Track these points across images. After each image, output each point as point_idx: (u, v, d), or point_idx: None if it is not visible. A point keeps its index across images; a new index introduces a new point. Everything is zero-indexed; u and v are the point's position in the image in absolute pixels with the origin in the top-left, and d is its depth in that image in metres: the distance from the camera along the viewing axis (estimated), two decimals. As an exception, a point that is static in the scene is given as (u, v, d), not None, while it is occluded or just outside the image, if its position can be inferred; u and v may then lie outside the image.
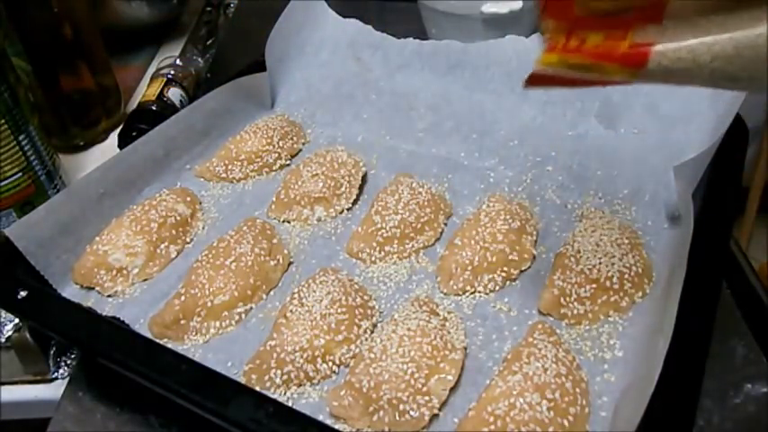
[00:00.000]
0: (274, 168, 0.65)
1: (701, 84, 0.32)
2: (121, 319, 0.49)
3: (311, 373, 0.44)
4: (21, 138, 0.58)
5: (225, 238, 0.54)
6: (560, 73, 0.35)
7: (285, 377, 0.44)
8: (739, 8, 0.30)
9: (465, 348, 0.45)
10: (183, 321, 0.48)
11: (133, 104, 0.82)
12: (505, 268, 0.51)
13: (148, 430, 0.45)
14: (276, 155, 0.65)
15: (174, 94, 0.77)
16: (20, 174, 0.59)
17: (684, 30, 0.31)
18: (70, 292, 0.52)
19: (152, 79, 0.79)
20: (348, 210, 0.60)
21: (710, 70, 0.31)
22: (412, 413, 0.41)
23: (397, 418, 0.41)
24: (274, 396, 0.43)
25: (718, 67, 0.31)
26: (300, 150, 0.68)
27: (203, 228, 0.58)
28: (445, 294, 0.50)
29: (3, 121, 0.56)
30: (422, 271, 0.53)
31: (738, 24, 0.30)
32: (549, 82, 0.37)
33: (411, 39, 0.73)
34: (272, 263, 0.53)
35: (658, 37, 0.32)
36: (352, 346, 0.46)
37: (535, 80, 0.37)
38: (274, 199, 0.60)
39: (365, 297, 0.49)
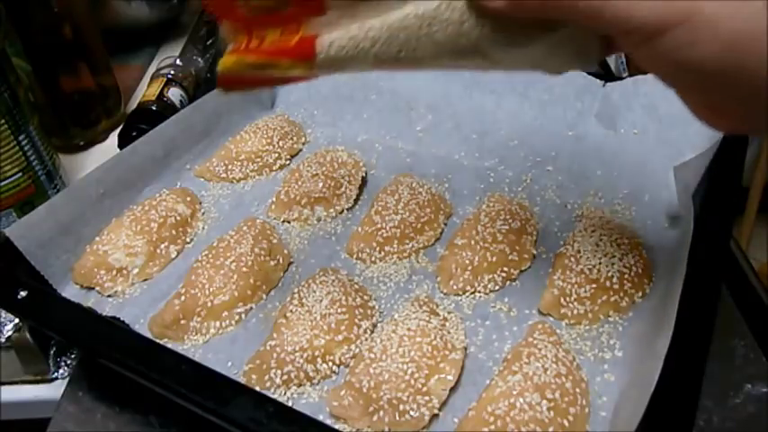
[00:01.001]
0: (274, 168, 0.65)
1: (371, 68, 0.33)
2: (121, 319, 0.49)
3: (311, 373, 0.44)
4: (21, 138, 0.58)
5: (225, 238, 0.54)
6: (245, 74, 0.35)
7: (285, 377, 0.44)
8: None
9: (465, 348, 0.45)
10: (183, 321, 0.48)
11: (133, 104, 0.82)
12: (505, 268, 0.51)
13: (148, 430, 0.45)
14: (276, 155, 0.65)
15: (174, 94, 0.76)
16: (20, 174, 0.59)
17: (347, 18, 0.32)
18: (70, 292, 0.52)
19: (152, 79, 0.79)
20: (348, 210, 0.60)
21: (374, 55, 0.32)
22: (412, 413, 0.41)
23: (397, 418, 0.41)
24: (274, 396, 0.43)
25: (380, 52, 0.32)
26: (300, 150, 0.68)
27: (203, 228, 0.58)
28: (445, 294, 0.50)
29: (3, 121, 0.56)
30: (422, 271, 0.53)
31: (389, 7, 0.31)
32: (240, 83, 0.37)
33: (411, 39, 0.73)
34: (272, 263, 0.53)
35: (324, 28, 0.33)
36: (352, 346, 0.46)
37: (225, 82, 0.37)
38: (274, 199, 0.60)
39: (365, 297, 0.49)
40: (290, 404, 0.42)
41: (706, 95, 0.30)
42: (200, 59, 0.90)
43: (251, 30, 0.34)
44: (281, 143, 0.66)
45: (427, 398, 0.41)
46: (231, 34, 0.35)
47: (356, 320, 0.47)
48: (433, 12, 0.30)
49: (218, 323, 0.49)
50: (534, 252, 0.53)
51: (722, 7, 0.25)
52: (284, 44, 0.33)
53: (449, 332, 0.46)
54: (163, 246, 0.55)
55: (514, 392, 0.40)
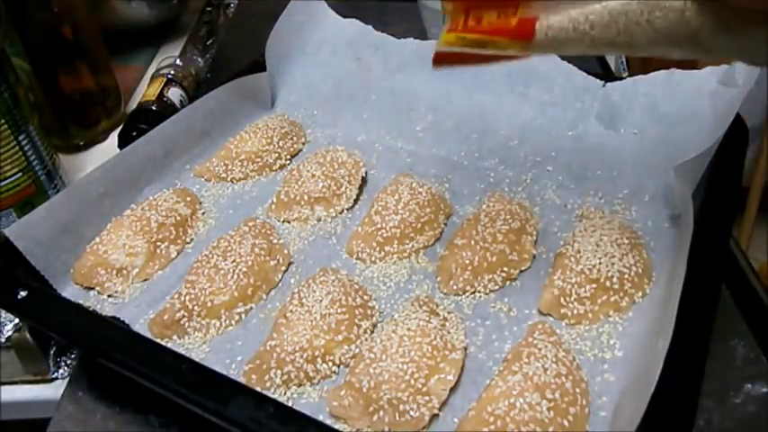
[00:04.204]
0: (274, 168, 0.65)
1: (585, 51, 0.35)
2: (121, 319, 0.49)
3: (311, 373, 0.44)
4: (21, 138, 0.58)
5: (225, 238, 0.54)
6: (461, 50, 0.38)
7: (285, 377, 0.44)
8: None
9: (465, 348, 0.45)
10: (183, 321, 0.48)
11: (133, 104, 0.82)
12: (505, 268, 0.51)
13: (148, 430, 0.45)
14: (276, 155, 0.65)
15: (174, 94, 0.77)
16: (20, 174, 0.59)
17: (565, 3, 0.34)
18: (70, 292, 0.52)
19: (152, 79, 0.79)
20: (348, 210, 0.60)
21: (591, 38, 0.34)
22: (412, 413, 0.41)
23: (397, 418, 0.41)
24: (274, 396, 0.43)
25: (597, 35, 0.34)
26: (300, 150, 0.68)
27: (203, 228, 0.58)
28: (445, 294, 0.50)
29: (3, 121, 0.56)
30: (422, 271, 0.53)
31: None
32: (455, 60, 0.40)
33: (411, 39, 0.73)
34: (272, 263, 0.53)
35: (543, 10, 0.35)
36: (352, 346, 0.46)
37: (441, 59, 0.40)
38: (274, 199, 0.60)
39: (365, 297, 0.49)
40: (290, 404, 0.42)
41: None
42: (200, 59, 0.90)
43: (469, 10, 0.37)
44: (281, 143, 0.66)
45: (427, 398, 0.41)
46: (451, 14, 0.39)
47: (356, 320, 0.47)
48: None
49: (218, 323, 0.49)
50: (534, 252, 0.53)
51: None
52: (504, 24, 0.36)
53: (449, 332, 0.46)
54: (163, 246, 0.55)
55: (514, 392, 0.40)
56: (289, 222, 0.59)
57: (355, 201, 0.60)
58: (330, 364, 0.45)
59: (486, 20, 0.37)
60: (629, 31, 0.33)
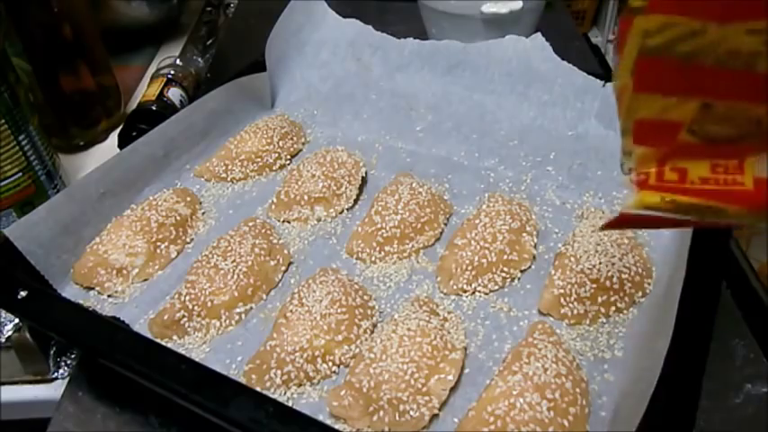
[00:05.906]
0: (274, 168, 0.65)
1: None
2: (121, 319, 0.49)
3: (311, 373, 0.44)
4: (21, 138, 0.58)
5: (225, 237, 0.54)
6: (661, 215, 0.27)
7: (285, 377, 0.44)
8: None
9: (465, 348, 0.45)
10: (183, 321, 0.48)
11: (133, 104, 0.82)
12: (505, 268, 0.51)
13: (148, 430, 0.45)
14: (276, 155, 0.65)
15: (174, 94, 0.77)
16: (20, 174, 0.59)
17: None
18: (70, 292, 0.52)
19: (152, 79, 0.79)
20: (348, 210, 0.60)
21: None
22: (412, 413, 0.41)
23: (397, 418, 0.41)
24: (274, 396, 0.43)
25: None
26: (300, 150, 0.68)
27: (203, 228, 0.58)
28: (445, 294, 0.50)
29: (3, 121, 0.56)
30: (422, 271, 0.53)
31: None
32: (639, 222, 0.31)
33: (411, 39, 0.73)
34: (272, 263, 0.53)
35: None
36: (352, 346, 0.46)
37: (625, 221, 0.29)
38: (274, 199, 0.60)
39: (365, 297, 0.49)
40: (290, 404, 0.42)
41: None
42: (200, 59, 0.90)
43: (668, 158, 0.27)
44: (281, 143, 0.66)
45: (427, 398, 0.41)
46: (639, 160, 0.27)
47: (356, 320, 0.47)
48: None
49: (218, 323, 0.49)
50: (534, 252, 0.53)
51: None
52: (731, 185, 0.25)
53: (449, 332, 0.46)
54: (163, 246, 0.55)
55: (514, 392, 0.40)
56: (289, 222, 0.59)
57: (355, 201, 0.60)
58: (330, 364, 0.45)
59: (694, 174, 0.26)
60: None
